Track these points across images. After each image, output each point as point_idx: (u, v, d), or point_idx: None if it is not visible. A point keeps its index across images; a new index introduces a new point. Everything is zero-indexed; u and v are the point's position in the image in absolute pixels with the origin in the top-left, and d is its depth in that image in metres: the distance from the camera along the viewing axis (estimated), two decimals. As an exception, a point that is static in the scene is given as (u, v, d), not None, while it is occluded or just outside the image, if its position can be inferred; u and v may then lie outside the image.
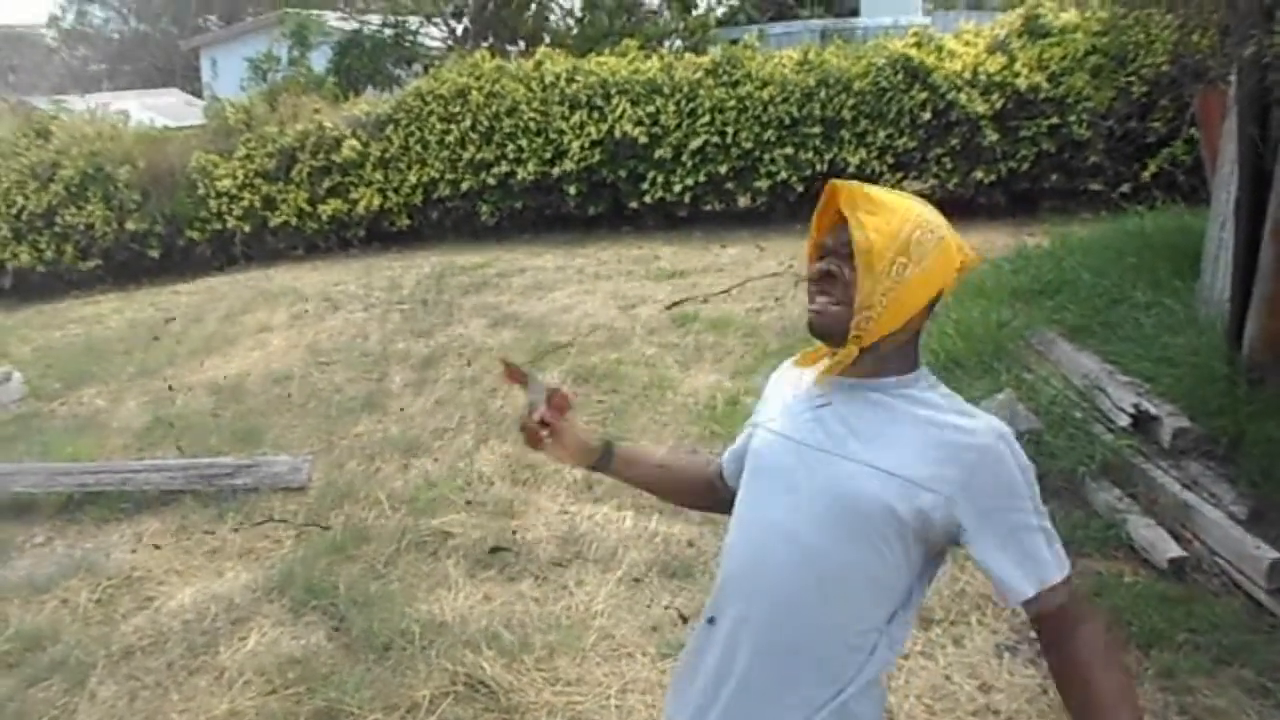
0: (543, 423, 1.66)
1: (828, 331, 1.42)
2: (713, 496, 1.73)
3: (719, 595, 1.48)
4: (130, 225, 10.91)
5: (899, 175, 9.79)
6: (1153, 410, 3.88)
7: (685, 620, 3.19)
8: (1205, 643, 2.86)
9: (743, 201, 10.47)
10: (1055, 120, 9.00)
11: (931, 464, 1.35)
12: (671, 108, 10.01)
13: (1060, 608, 1.36)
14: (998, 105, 9.13)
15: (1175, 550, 3.28)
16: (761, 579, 1.41)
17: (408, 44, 16.13)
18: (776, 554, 1.40)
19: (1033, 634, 2.97)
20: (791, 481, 1.42)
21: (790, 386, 1.54)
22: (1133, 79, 8.63)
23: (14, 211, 10.97)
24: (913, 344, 1.47)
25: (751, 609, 1.42)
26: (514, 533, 3.92)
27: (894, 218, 1.39)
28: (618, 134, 10.08)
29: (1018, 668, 2.87)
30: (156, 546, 4.08)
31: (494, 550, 3.80)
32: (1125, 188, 8.92)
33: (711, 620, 1.48)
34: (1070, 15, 9.05)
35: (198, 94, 23.59)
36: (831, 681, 1.38)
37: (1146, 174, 8.71)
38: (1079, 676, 1.34)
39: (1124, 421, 3.94)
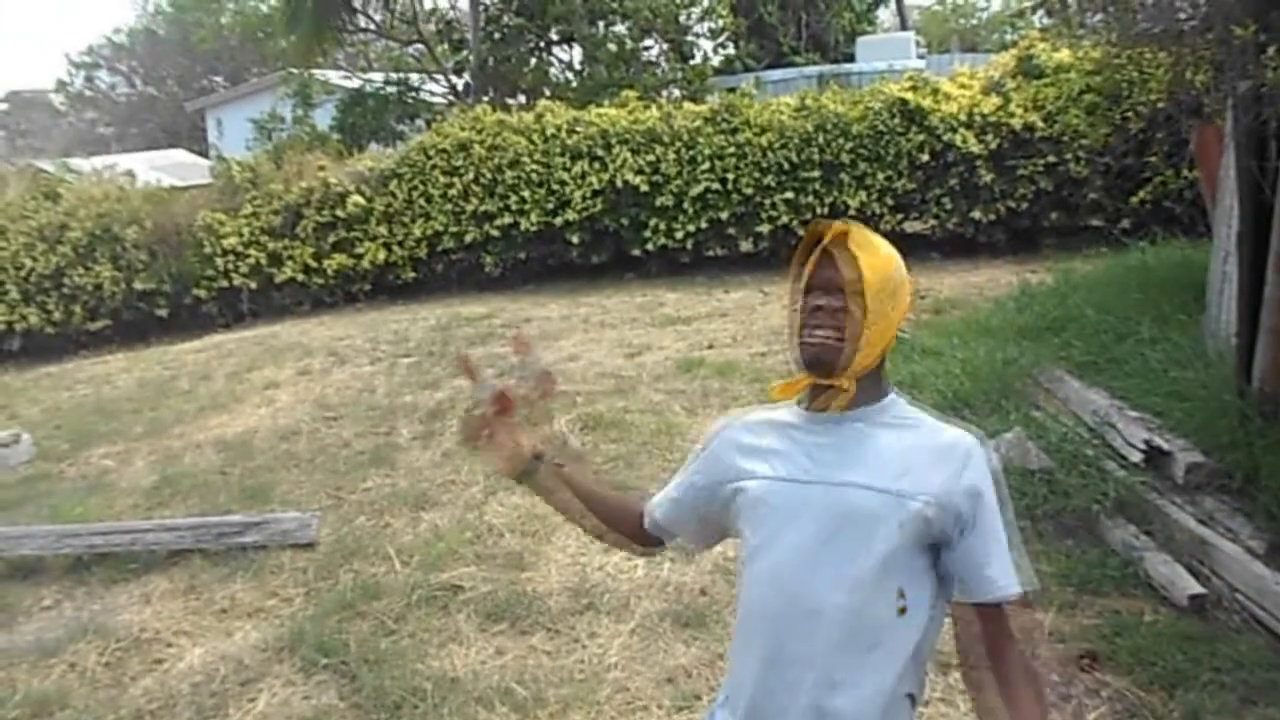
0: (484, 419, 1.69)
1: (825, 363, 1.48)
2: (632, 535, 1.79)
3: (761, 642, 1.49)
4: (138, 285, 10.99)
5: (899, 216, 9.86)
6: (1165, 445, 3.86)
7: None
8: (1230, 681, 2.82)
9: (745, 246, 10.53)
10: (1052, 158, 9.08)
11: (920, 475, 1.43)
12: (672, 156, 10.11)
13: (1010, 615, 1.46)
14: (994, 145, 9.22)
15: (1194, 587, 3.24)
16: (798, 619, 1.44)
17: (410, 100, 16.36)
18: (806, 597, 1.44)
19: (1054, 677, 2.93)
20: (801, 521, 1.46)
21: (766, 436, 1.58)
22: (1129, 115, 8.71)
23: (23, 274, 11.06)
24: (881, 370, 1.56)
25: (797, 647, 1.44)
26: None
27: (881, 256, 1.49)
28: (619, 183, 10.18)
29: (1040, 712, 2.82)
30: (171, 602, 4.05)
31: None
32: (1125, 223, 8.96)
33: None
34: (1063, 55, 9.15)
35: (204, 154, 23.89)
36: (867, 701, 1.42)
37: (1136, 200, 8.75)
38: (1018, 678, 1.46)
39: (1136, 457, 3.92)
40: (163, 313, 11.14)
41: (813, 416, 1.53)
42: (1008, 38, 19.69)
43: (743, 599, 1.55)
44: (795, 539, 1.45)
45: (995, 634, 1.47)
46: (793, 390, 1.56)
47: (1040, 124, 9.09)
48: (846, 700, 1.41)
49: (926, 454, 1.46)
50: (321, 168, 11.28)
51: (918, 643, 1.46)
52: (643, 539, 1.79)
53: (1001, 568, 1.44)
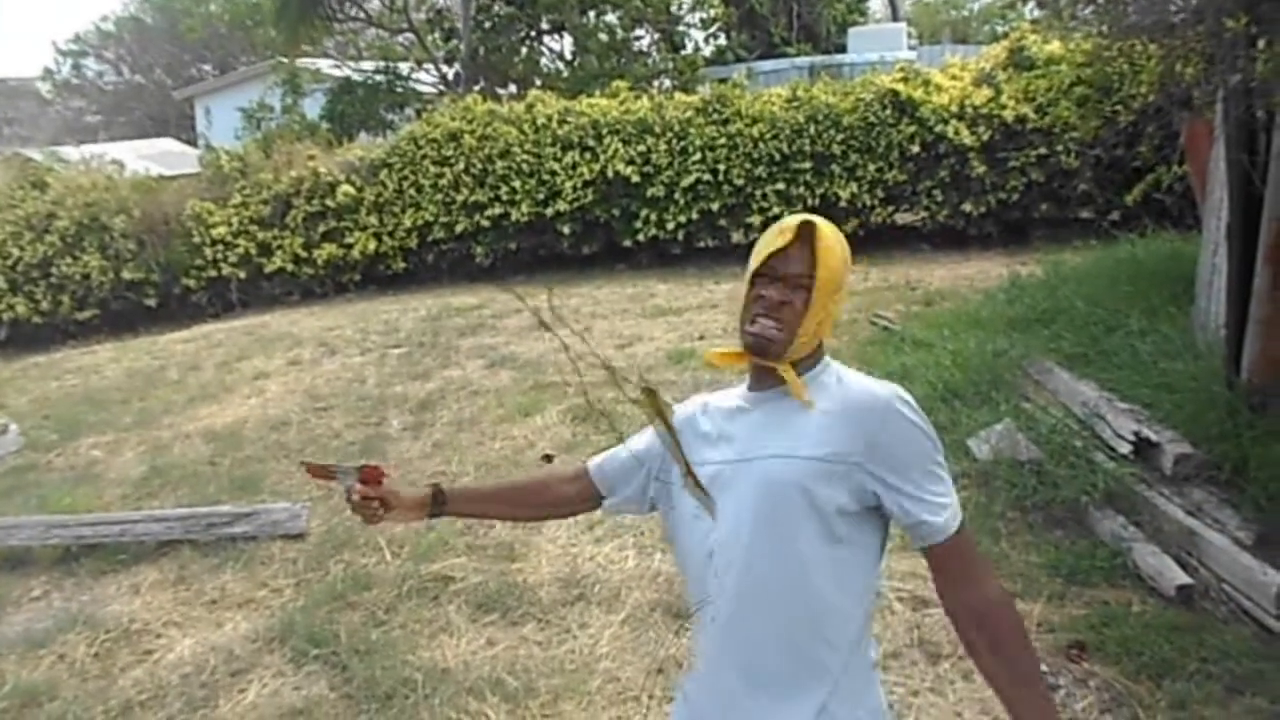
0: (367, 499, 1.72)
1: (768, 352, 1.55)
2: (564, 501, 1.83)
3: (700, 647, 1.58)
4: (126, 274, 10.93)
5: (890, 208, 9.87)
6: (1153, 437, 3.87)
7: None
8: (1217, 671, 2.84)
9: (736, 237, 10.52)
10: (1043, 150, 9.10)
11: (840, 438, 1.47)
12: (663, 146, 10.09)
13: (969, 547, 1.49)
14: (985, 137, 9.23)
15: (1182, 578, 3.26)
16: (732, 592, 1.50)
17: (400, 89, 16.28)
18: (735, 566, 1.49)
19: (1043, 667, 2.95)
20: (740, 497, 1.50)
21: (718, 422, 1.65)
22: (1119, 108, 8.72)
23: (10, 263, 10.99)
24: (819, 347, 1.60)
25: (731, 614, 1.50)
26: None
27: (836, 255, 1.55)
28: (610, 173, 10.16)
29: (1029, 702, 2.83)
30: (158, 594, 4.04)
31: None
32: (1115, 215, 8.98)
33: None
34: (1054, 47, 9.15)
35: (192, 143, 23.74)
36: (820, 675, 1.47)
37: (1129, 198, 8.77)
38: (982, 611, 1.46)
39: (1125, 449, 3.93)
40: (151, 302, 11.09)
41: (754, 396, 1.60)
42: (999, 29, 19.71)
43: (689, 575, 1.62)
44: (733, 513, 1.49)
45: (953, 575, 1.48)
46: (726, 361, 1.64)
47: (1031, 116, 9.10)
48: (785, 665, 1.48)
49: (846, 415, 1.49)
50: (311, 157, 11.23)
51: (862, 604, 1.52)
52: (578, 500, 1.83)
53: (933, 512, 1.45)
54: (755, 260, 1.56)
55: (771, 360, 1.54)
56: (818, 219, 1.56)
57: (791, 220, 1.55)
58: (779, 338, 1.53)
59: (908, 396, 1.50)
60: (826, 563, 1.47)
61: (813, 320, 1.53)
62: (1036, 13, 8.87)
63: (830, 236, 1.55)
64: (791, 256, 1.54)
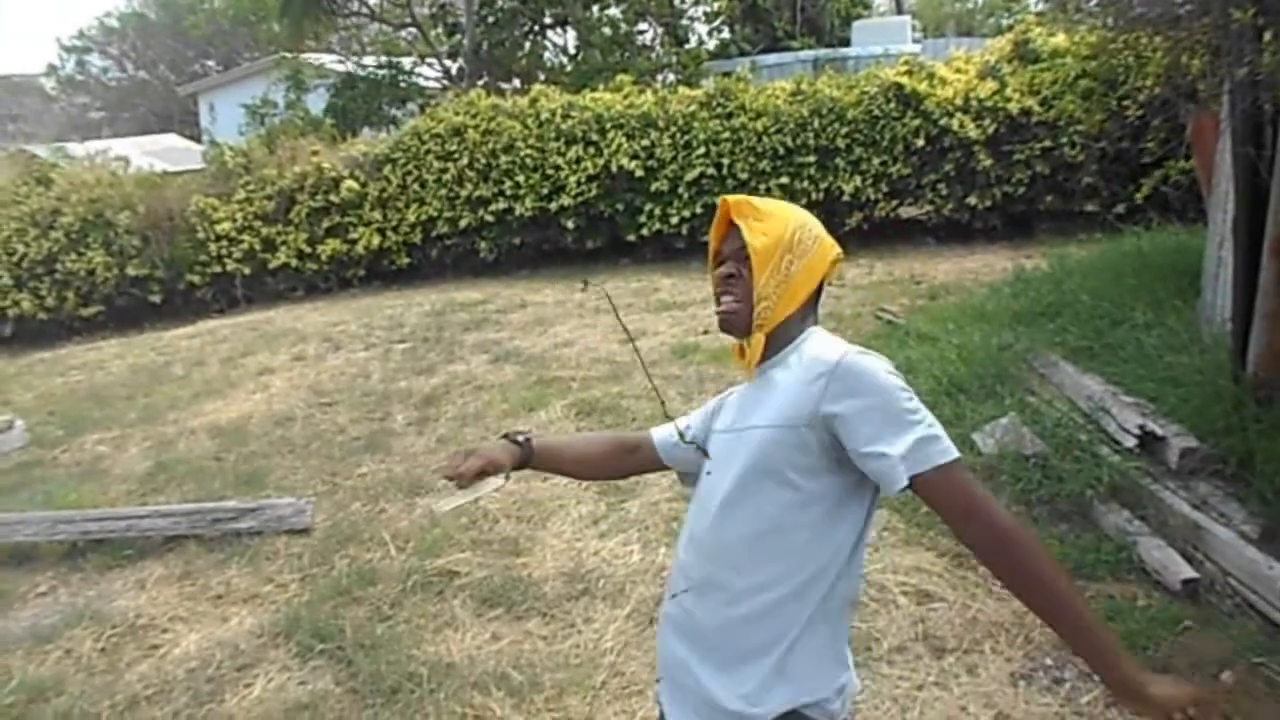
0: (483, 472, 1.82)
1: (734, 325, 1.64)
2: (631, 463, 1.94)
3: (673, 577, 1.66)
4: (131, 270, 10.95)
5: (894, 202, 9.85)
6: (1159, 431, 3.86)
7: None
8: (1222, 666, 2.83)
9: (740, 232, 10.51)
10: (1048, 143, 9.07)
11: (802, 400, 1.51)
12: (667, 141, 10.08)
13: (964, 484, 1.45)
14: (990, 130, 9.20)
15: (1188, 572, 3.26)
16: (703, 554, 1.60)
17: (403, 84, 16.28)
18: (708, 530, 1.59)
19: (1048, 661, 2.95)
20: (728, 464, 1.60)
21: (733, 400, 1.74)
22: (1125, 101, 8.69)
23: (15, 259, 11.02)
24: (803, 320, 1.65)
25: (700, 577, 1.59)
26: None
27: (777, 222, 1.63)
28: (614, 168, 10.15)
29: (1034, 696, 2.83)
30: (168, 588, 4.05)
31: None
32: (1120, 208, 8.96)
33: (673, 596, 1.64)
34: (1060, 40, 9.13)
35: (196, 139, 23.78)
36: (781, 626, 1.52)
37: (1139, 195, 8.75)
38: (991, 541, 1.44)
39: (1130, 443, 3.92)
40: (156, 298, 11.11)
41: (756, 371, 1.65)
42: (1004, 22, 19.66)
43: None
44: (730, 475, 1.58)
45: (954, 513, 1.46)
46: (736, 356, 1.70)
47: (1037, 109, 9.08)
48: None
49: (801, 381, 1.54)
50: (315, 153, 11.23)
51: (837, 561, 1.54)
52: (644, 469, 1.95)
53: (899, 455, 1.43)
54: (710, 254, 1.70)
55: (740, 334, 1.64)
56: (739, 196, 1.67)
57: (723, 202, 1.68)
58: (738, 308, 1.63)
59: (860, 353, 1.52)
60: (795, 523, 1.51)
61: (768, 285, 1.59)
62: (1042, 5, 8.87)
63: (752, 206, 1.65)
64: (728, 236, 1.67)
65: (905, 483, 1.43)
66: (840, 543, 1.54)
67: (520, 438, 1.88)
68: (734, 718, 1.52)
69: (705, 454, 1.69)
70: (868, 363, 1.50)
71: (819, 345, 1.59)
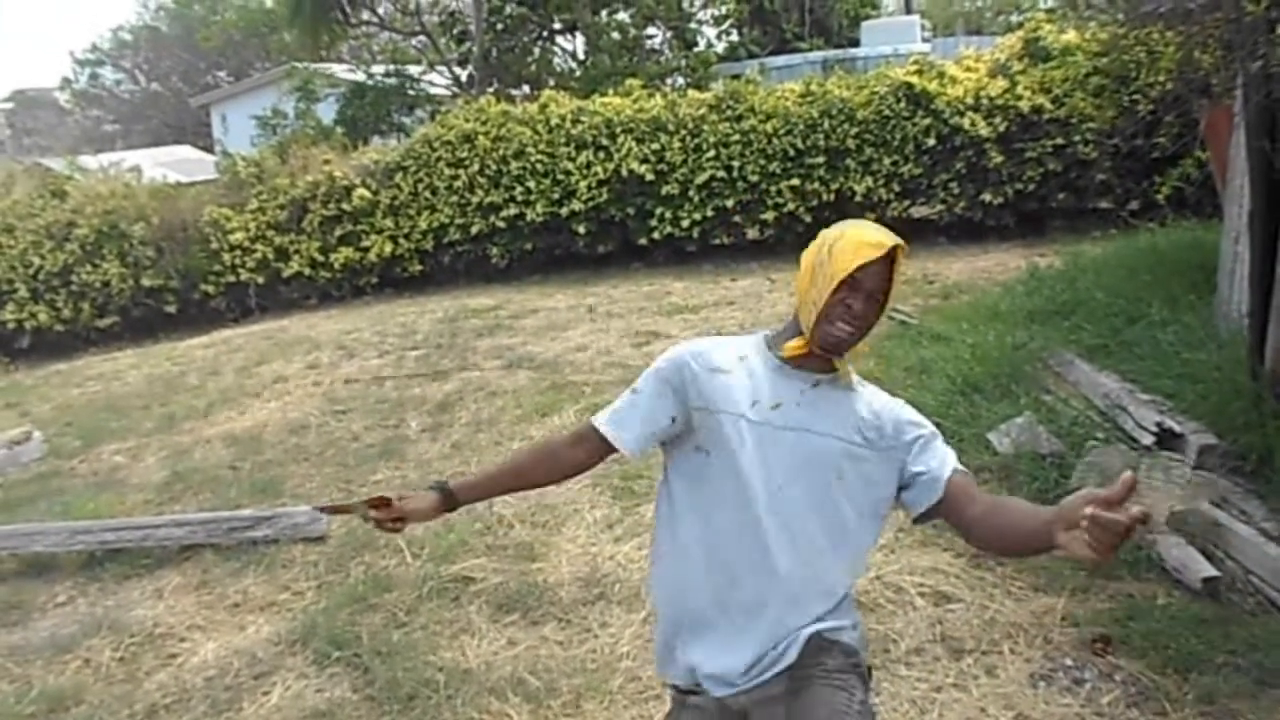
0: (382, 522, 1.94)
1: (840, 351, 1.82)
2: (576, 467, 2.00)
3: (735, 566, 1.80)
4: (146, 281, 11.02)
5: (905, 202, 9.83)
6: (1176, 428, 3.83)
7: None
8: (1245, 664, 2.80)
9: (751, 234, 10.51)
10: (1060, 140, 9.03)
11: (870, 428, 1.81)
12: (677, 144, 10.08)
13: (968, 481, 1.79)
14: (1001, 128, 9.17)
15: (1208, 570, 3.22)
16: (783, 531, 1.78)
17: (413, 92, 16.33)
18: (787, 514, 1.78)
19: (1068, 661, 2.93)
20: (772, 460, 1.78)
21: (735, 373, 1.85)
22: (1137, 97, 8.65)
23: (31, 272, 11.11)
24: None
25: (781, 559, 1.77)
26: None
27: (897, 275, 1.80)
28: (624, 172, 10.16)
29: (1054, 696, 2.81)
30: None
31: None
32: (1134, 204, 8.91)
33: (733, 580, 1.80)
34: (1070, 36, 9.09)
35: (209, 150, 23.90)
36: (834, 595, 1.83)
37: (1159, 194, 8.69)
38: (998, 507, 1.72)
39: (1148, 440, 3.89)
40: (171, 309, 11.18)
41: (799, 375, 1.84)
42: (1013, 19, 19.58)
43: (705, 516, 1.82)
44: (788, 466, 1.77)
45: (962, 494, 1.75)
46: (798, 352, 1.84)
47: (1048, 106, 9.04)
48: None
49: (879, 413, 1.83)
50: (327, 161, 11.28)
51: (867, 544, 1.87)
52: (589, 462, 1.99)
53: (942, 465, 1.78)
54: (844, 268, 1.75)
55: (834, 358, 1.83)
56: (901, 242, 1.78)
57: (881, 237, 1.77)
58: (854, 342, 1.81)
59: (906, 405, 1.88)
60: (853, 522, 1.80)
61: (868, 331, 1.82)
62: (1052, 2, 8.82)
63: (900, 260, 1.80)
64: (876, 272, 1.77)
65: (951, 470, 1.78)
66: (873, 540, 1.89)
67: (438, 484, 1.98)
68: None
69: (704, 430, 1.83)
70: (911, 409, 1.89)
71: (874, 389, 1.91)
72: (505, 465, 2.08)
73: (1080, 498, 1.43)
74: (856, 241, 1.77)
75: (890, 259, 1.76)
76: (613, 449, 1.91)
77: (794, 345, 1.84)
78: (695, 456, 1.85)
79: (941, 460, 1.79)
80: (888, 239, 1.76)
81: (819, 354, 1.81)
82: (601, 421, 1.91)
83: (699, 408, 1.83)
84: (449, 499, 1.95)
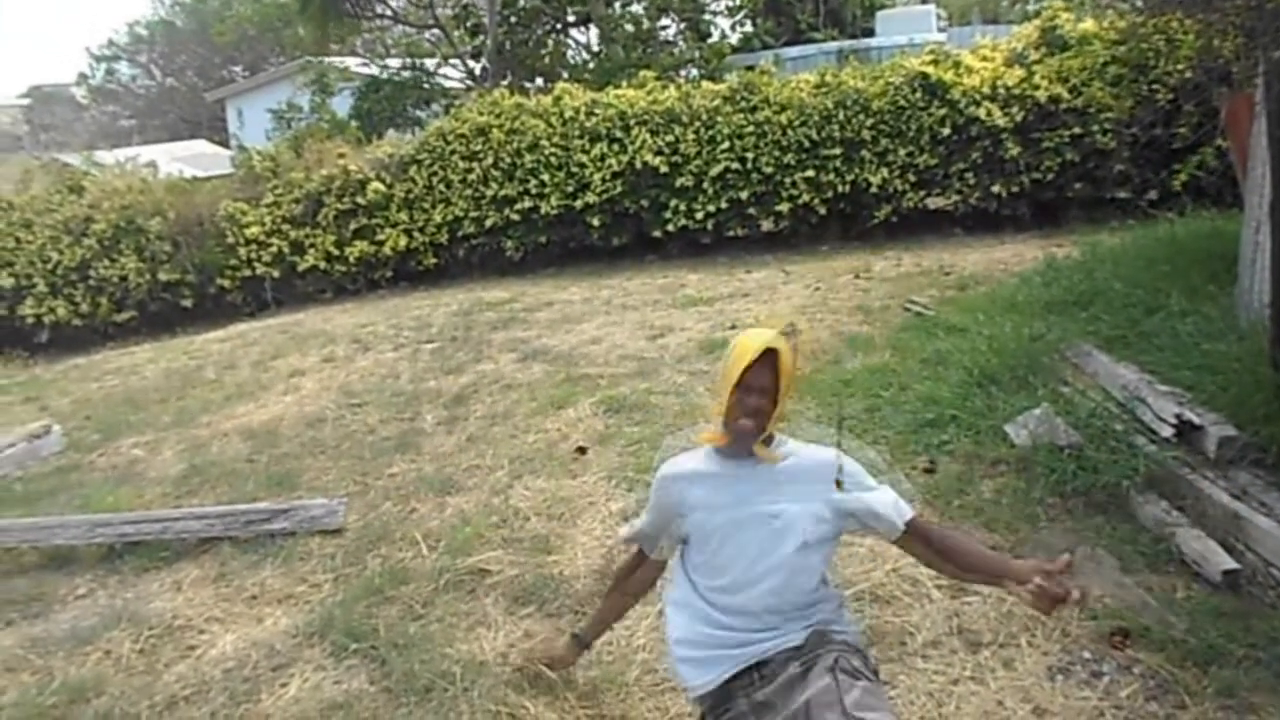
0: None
1: (748, 442, 2.31)
2: (649, 581, 2.79)
3: (745, 599, 2.33)
4: (162, 276, 11.09)
5: (921, 193, 9.77)
6: (1196, 420, 3.80)
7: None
8: (1266, 658, 2.78)
9: (765, 225, 10.48)
10: (1078, 130, 8.95)
11: (816, 489, 2.32)
12: (691, 136, 10.05)
13: (924, 522, 2.41)
14: (1018, 118, 9.10)
15: (1228, 562, 3.20)
16: (766, 582, 2.31)
17: (427, 85, 16.35)
18: (772, 568, 2.30)
19: (1086, 654, 2.91)
20: (755, 532, 2.31)
21: (699, 481, 2.40)
22: (1156, 86, 8.57)
23: (49, 267, 11.19)
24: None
25: (771, 598, 2.32)
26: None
27: (787, 362, 2.26)
28: (638, 164, 10.14)
29: (1072, 689, 2.79)
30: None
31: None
32: (1153, 194, 8.83)
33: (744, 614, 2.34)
34: (1088, 25, 9.01)
35: (225, 144, 24.00)
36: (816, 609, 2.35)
37: (1176, 182, 8.61)
38: (954, 545, 2.39)
39: (1167, 432, 3.86)
40: (188, 303, 11.24)
41: (733, 465, 2.37)
42: (1030, 8, 19.44)
43: (706, 595, 2.39)
44: (753, 541, 2.31)
45: (919, 535, 2.36)
46: (714, 440, 2.39)
47: (1065, 95, 8.96)
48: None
49: (813, 474, 2.33)
50: (341, 155, 11.31)
51: (822, 570, 2.37)
52: (649, 575, 2.76)
53: (893, 509, 2.33)
54: (733, 375, 2.25)
55: (750, 445, 2.31)
56: (778, 341, 2.25)
57: (760, 342, 2.24)
58: (760, 431, 2.29)
59: (840, 455, 2.35)
60: (805, 561, 2.30)
61: (778, 415, 2.31)
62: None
63: (787, 352, 2.26)
64: (761, 371, 2.24)
65: (910, 516, 2.34)
66: (824, 562, 2.40)
67: (575, 634, 3.02)
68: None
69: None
70: (848, 459, 2.36)
71: (804, 446, 2.40)
72: (606, 610, 2.97)
73: (1029, 566, 2.12)
74: (740, 350, 2.26)
75: (773, 362, 2.24)
76: (660, 561, 2.64)
77: (710, 436, 2.40)
78: (685, 541, 2.46)
79: (865, 487, 2.35)
80: (765, 343, 2.23)
81: (738, 445, 2.33)
82: (642, 547, 2.68)
83: (680, 514, 2.41)
84: (581, 645, 3.01)
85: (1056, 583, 1.99)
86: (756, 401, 2.26)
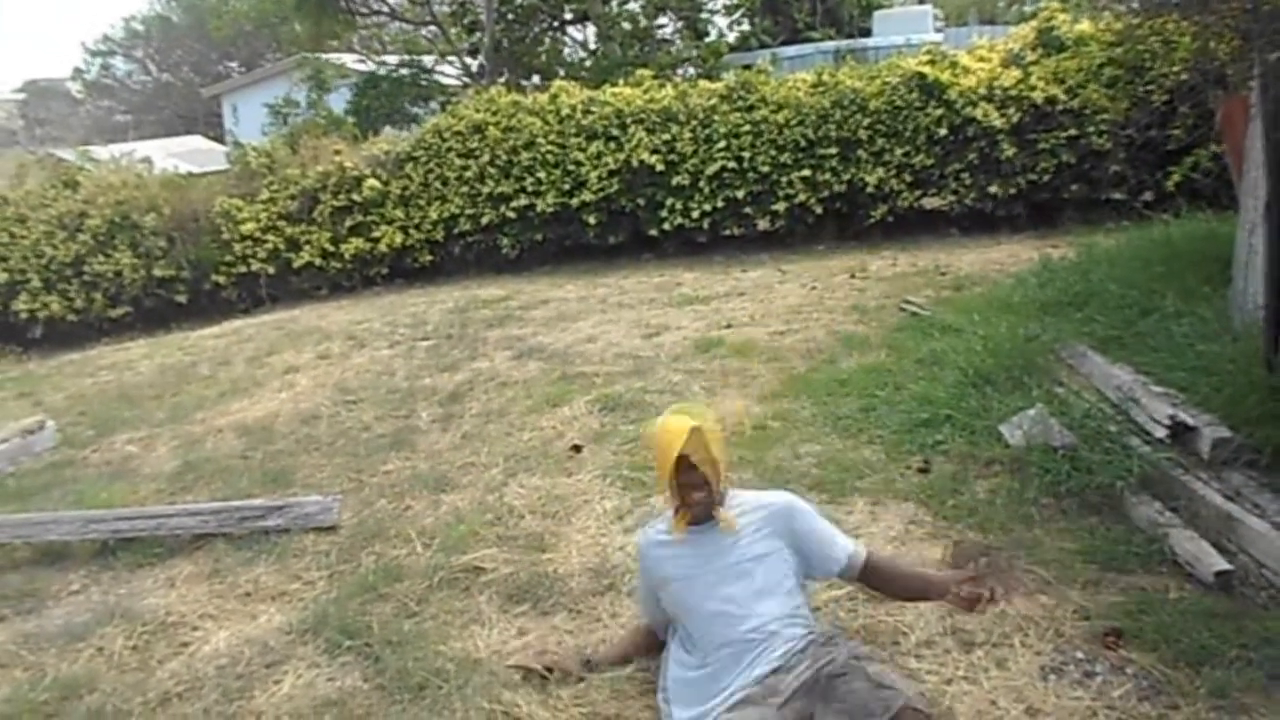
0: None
1: (705, 516, 2.74)
2: (651, 648, 3.03)
3: (724, 635, 2.67)
4: (157, 271, 11.06)
5: (917, 193, 9.78)
6: (1190, 421, 3.81)
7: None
8: (1258, 659, 2.79)
9: (762, 225, 10.49)
10: (1074, 131, 8.97)
11: (765, 536, 2.74)
12: (687, 134, 10.06)
13: (870, 558, 2.84)
14: (1015, 118, 9.12)
15: (1221, 564, 3.20)
16: (737, 618, 2.66)
17: (424, 82, 16.33)
18: (739, 604, 2.67)
19: (1079, 654, 2.92)
20: (711, 596, 2.70)
21: (671, 556, 2.82)
22: (1151, 87, 8.59)
23: (44, 262, 11.16)
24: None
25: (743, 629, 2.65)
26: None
27: (708, 434, 2.66)
28: (635, 163, 10.14)
29: (1065, 689, 2.80)
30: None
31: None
32: (1148, 196, 8.84)
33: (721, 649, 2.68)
34: (1084, 26, 9.02)
35: (220, 140, 23.96)
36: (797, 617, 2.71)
37: (1170, 183, 8.63)
38: (889, 575, 2.89)
39: (1161, 433, 3.87)
40: (182, 299, 11.22)
41: (696, 531, 2.77)
42: (1026, 9, 19.46)
43: (697, 640, 2.73)
44: (712, 606, 2.69)
45: (869, 571, 2.81)
46: (683, 525, 2.77)
47: (1062, 97, 8.98)
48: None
49: (762, 520, 2.77)
50: (337, 152, 11.30)
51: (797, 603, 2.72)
52: (653, 639, 3.04)
53: (841, 549, 2.79)
54: (667, 461, 2.63)
55: (709, 512, 2.73)
56: (696, 418, 2.66)
57: (681, 423, 2.63)
58: (709, 502, 2.71)
59: (793, 496, 2.89)
60: (776, 583, 2.71)
61: (718, 478, 2.68)
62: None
63: (708, 423, 2.67)
64: (692, 447, 2.59)
65: (863, 556, 2.82)
66: (791, 576, 2.79)
67: (588, 659, 3.08)
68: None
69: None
70: (801, 500, 2.89)
71: (752, 494, 2.89)
72: (627, 644, 3.13)
73: (946, 578, 2.70)
74: (665, 441, 2.63)
75: (698, 436, 2.60)
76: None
77: (678, 522, 2.77)
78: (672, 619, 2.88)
79: (810, 523, 2.81)
80: (687, 423, 2.61)
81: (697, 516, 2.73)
82: (643, 617, 3.12)
83: (660, 579, 2.83)
84: (590, 666, 3.06)
85: (971, 588, 2.52)
86: (698, 476, 2.63)
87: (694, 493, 2.63)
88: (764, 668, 2.55)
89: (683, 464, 2.59)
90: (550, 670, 3.01)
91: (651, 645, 2.99)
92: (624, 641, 3.13)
